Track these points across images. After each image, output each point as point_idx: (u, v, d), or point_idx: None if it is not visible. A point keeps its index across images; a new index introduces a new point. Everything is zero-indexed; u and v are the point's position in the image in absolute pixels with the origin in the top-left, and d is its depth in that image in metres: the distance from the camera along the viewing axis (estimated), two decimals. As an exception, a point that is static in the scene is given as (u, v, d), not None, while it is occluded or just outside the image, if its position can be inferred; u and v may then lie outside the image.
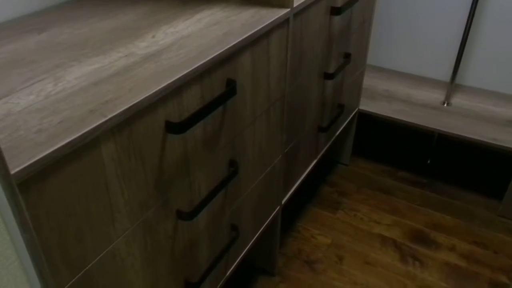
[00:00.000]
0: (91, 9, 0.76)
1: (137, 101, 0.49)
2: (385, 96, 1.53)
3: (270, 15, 0.73)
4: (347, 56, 1.15)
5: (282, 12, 0.75)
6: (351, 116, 1.42)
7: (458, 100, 1.52)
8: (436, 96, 1.55)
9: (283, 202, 1.02)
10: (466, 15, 1.46)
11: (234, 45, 0.64)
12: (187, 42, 0.63)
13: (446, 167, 1.55)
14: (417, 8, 1.53)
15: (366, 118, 1.70)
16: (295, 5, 0.79)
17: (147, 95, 0.50)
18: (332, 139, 1.28)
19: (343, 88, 1.23)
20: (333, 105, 1.19)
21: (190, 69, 0.56)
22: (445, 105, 1.49)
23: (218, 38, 0.65)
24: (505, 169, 1.54)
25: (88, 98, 0.49)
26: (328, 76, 1.04)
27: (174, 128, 0.55)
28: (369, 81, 1.62)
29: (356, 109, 1.45)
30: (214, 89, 0.63)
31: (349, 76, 1.25)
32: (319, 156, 1.19)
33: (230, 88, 0.64)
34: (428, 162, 1.59)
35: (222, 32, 0.67)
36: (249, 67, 0.71)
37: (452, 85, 1.49)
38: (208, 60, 0.59)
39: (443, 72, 1.61)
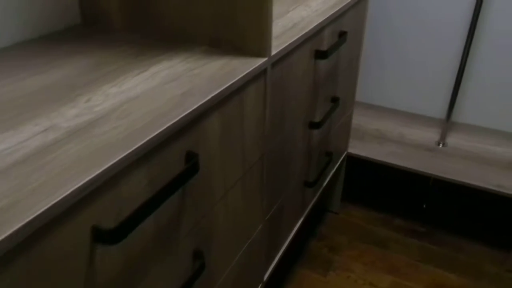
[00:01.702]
0: (22, 61, 0.61)
1: (40, 211, 0.33)
2: (376, 137, 1.41)
3: (243, 67, 0.60)
4: (335, 100, 1.02)
5: (258, 62, 0.61)
6: (340, 160, 1.28)
7: (454, 139, 1.40)
8: (430, 135, 1.43)
9: (265, 278, 0.86)
10: (461, 47, 1.36)
11: (196, 108, 0.49)
12: (133, 106, 0.49)
13: (445, 213, 1.41)
14: (409, 40, 1.43)
15: (356, 162, 1.58)
16: (274, 51, 0.65)
17: (57, 199, 0.35)
18: (320, 191, 1.13)
19: (331, 134, 1.10)
20: (320, 154, 1.05)
21: (131, 149, 0.41)
22: (441, 145, 1.37)
23: (176, 99, 0.50)
24: (511, 217, 1.41)
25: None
26: (314, 125, 0.91)
27: (106, 236, 0.39)
28: (358, 119, 1.50)
29: (345, 152, 1.32)
30: (168, 168, 0.48)
31: (337, 120, 1.12)
32: (306, 213, 1.04)
33: (191, 165, 0.49)
34: (424, 206, 1.46)
35: (182, 91, 0.53)
36: (217, 132, 0.56)
37: (448, 123, 1.37)
38: (159, 133, 0.44)
39: (437, 109, 1.50)
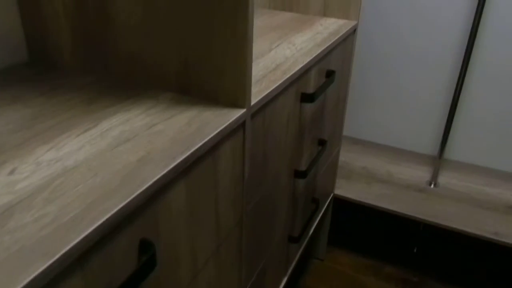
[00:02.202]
0: None
1: None
2: (363, 176, 1.32)
3: (217, 121, 0.49)
4: (322, 143, 0.92)
5: (235, 114, 0.51)
6: (326, 204, 1.18)
7: (446, 179, 1.32)
8: (420, 174, 1.34)
9: None
10: (454, 79, 1.29)
11: (155, 182, 0.38)
12: (70, 182, 0.37)
13: (438, 260, 1.32)
14: (398, 72, 1.36)
15: (343, 204, 1.47)
16: (254, 100, 0.55)
17: None
18: (305, 243, 1.02)
19: (317, 179, 1.00)
20: (305, 202, 0.95)
21: (55, 257, 0.30)
22: (432, 185, 1.29)
23: (128, 169, 0.39)
24: (508, 265, 1.32)
25: None
26: (300, 174, 0.81)
27: None
28: (344, 156, 1.41)
29: (332, 194, 1.22)
30: (112, 270, 0.37)
31: (323, 163, 1.02)
32: (290, 271, 0.93)
33: (146, 260, 0.38)
34: (415, 251, 1.37)
35: (137, 156, 0.42)
36: (182, 206, 0.45)
37: (440, 161, 1.29)
38: (100, 225, 0.33)
39: (427, 145, 1.42)
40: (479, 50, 1.23)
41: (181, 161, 0.42)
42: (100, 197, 0.36)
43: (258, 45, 0.78)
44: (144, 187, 0.37)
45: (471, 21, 1.21)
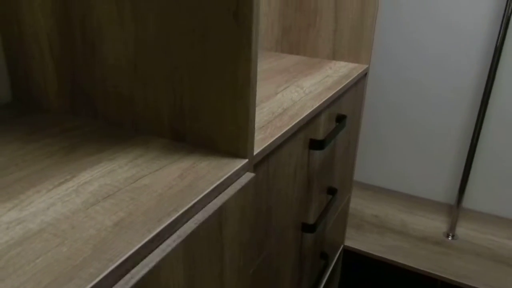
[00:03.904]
0: None
1: None
2: (375, 226, 1.23)
3: (214, 173, 0.43)
4: (332, 192, 0.85)
5: (235, 166, 0.44)
6: (336, 257, 1.09)
7: (464, 230, 1.22)
8: (437, 224, 1.25)
9: None
10: (472, 122, 1.23)
11: (131, 255, 0.31)
12: (29, 252, 0.30)
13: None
14: (411, 114, 1.30)
15: (353, 256, 1.36)
16: (258, 149, 0.49)
17: None
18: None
19: (326, 231, 0.92)
20: (314, 258, 0.86)
21: None
22: (450, 237, 1.20)
23: (101, 236, 0.32)
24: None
25: None
26: (308, 228, 0.73)
27: None
28: (355, 202, 1.33)
29: (342, 246, 1.13)
30: None
31: (333, 213, 0.94)
32: (297, 336, 0.83)
33: None
34: (433, 309, 1.25)
35: (115, 218, 0.35)
36: (180, 282, 0.38)
37: (458, 210, 1.20)
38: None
39: (444, 193, 1.34)
40: (497, 92, 1.17)
41: (168, 225, 0.35)
42: (61, 275, 0.28)
43: (263, 89, 0.73)
44: (115, 265, 0.30)
45: (489, 63, 1.16)
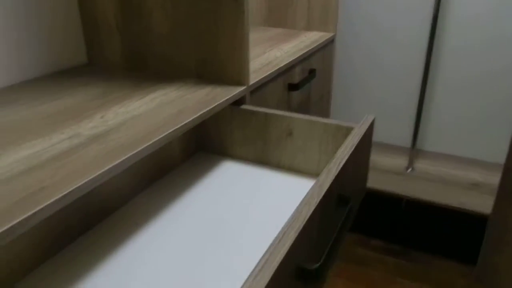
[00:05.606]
0: (37, 92, 0.73)
1: (68, 190, 0.44)
2: (350, 165, 1.54)
3: (226, 93, 0.73)
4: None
5: (238, 89, 0.75)
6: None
7: (420, 165, 1.54)
8: (399, 162, 1.57)
9: None
10: (419, 84, 1.54)
11: (189, 122, 0.62)
12: (138, 121, 0.61)
13: (417, 233, 1.52)
14: (372, 81, 1.60)
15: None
16: (253, 81, 0.79)
17: (82, 182, 0.46)
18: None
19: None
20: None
21: (138, 149, 0.53)
22: (409, 170, 1.51)
23: (171, 116, 0.63)
24: (475, 233, 1.52)
25: (16, 188, 0.44)
26: (290, 148, 1.03)
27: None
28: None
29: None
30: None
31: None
32: None
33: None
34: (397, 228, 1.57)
35: (176, 110, 0.65)
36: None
37: (413, 151, 1.51)
38: (159, 139, 0.56)
39: (404, 138, 1.65)
40: (439, 57, 1.47)
41: (205, 112, 0.65)
42: (157, 127, 0.59)
43: (254, 51, 1.03)
44: (183, 123, 0.61)
45: (427, 37, 1.46)
